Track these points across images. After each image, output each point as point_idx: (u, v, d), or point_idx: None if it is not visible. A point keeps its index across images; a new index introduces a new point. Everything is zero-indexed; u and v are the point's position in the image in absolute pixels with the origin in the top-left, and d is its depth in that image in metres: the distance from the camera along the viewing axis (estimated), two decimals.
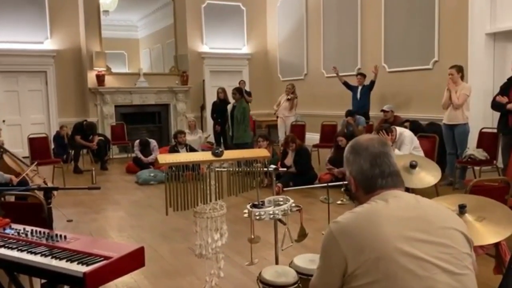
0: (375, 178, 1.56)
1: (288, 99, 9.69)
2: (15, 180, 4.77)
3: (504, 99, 5.56)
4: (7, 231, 2.32)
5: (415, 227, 1.43)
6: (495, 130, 6.12)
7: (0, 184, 4.47)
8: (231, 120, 8.34)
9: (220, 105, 9.46)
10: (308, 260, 2.69)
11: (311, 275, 2.56)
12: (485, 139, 6.34)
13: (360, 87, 8.74)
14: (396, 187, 1.56)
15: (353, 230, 1.43)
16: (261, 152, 2.96)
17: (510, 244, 2.81)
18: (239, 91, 8.47)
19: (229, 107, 8.55)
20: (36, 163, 5.88)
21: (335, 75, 9.20)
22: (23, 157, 6.16)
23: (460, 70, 6.27)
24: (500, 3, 7.01)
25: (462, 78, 6.31)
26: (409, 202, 1.51)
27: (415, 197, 1.56)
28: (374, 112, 8.61)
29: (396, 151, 5.36)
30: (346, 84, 8.98)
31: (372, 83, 8.52)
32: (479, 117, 7.04)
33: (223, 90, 9.61)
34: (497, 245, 2.78)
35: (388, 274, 1.36)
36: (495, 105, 5.75)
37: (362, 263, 1.39)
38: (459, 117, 6.23)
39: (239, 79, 11.60)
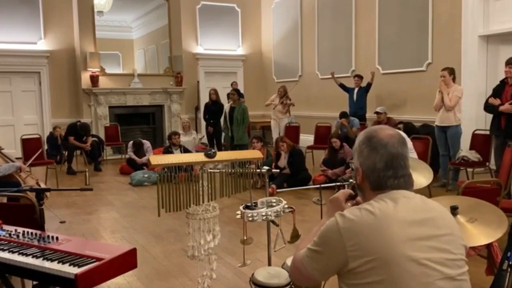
0: (386, 178, 1.49)
1: (282, 103, 9.66)
2: (24, 167, 4.98)
3: (496, 101, 5.59)
4: None
5: (422, 232, 1.41)
6: (487, 132, 6.16)
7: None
8: (229, 121, 8.33)
9: (212, 107, 9.45)
10: None
11: None
12: (478, 141, 6.38)
13: (356, 89, 8.77)
14: (406, 188, 1.51)
15: (360, 229, 1.39)
16: (254, 153, 2.96)
17: (502, 245, 2.82)
18: (238, 92, 8.48)
19: (226, 108, 8.55)
20: (28, 164, 5.85)
21: (330, 76, 9.23)
22: (16, 158, 6.12)
23: (452, 72, 6.30)
24: (493, 6, 7.06)
25: (454, 80, 6.34)
26: (417, 204, 1.47)
27: (421, 199, 1.52)
28: (368, 114, 8.64)
29: None
30: (342, 86, 8.99)
31: (369, 85, 8.54)
32: (472, 119, 7.08)
33: (215, 92, 9.59)
34: (488, 246, 2.80)
35: (392, 276, 1.35)
36: (488, 107, 5.79)
37: (365, 262, 1.37)
38: (451, 119, 6.26)
39: (234, 81, 11.60)
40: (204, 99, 11.11)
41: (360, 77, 8.79)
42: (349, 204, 1.66)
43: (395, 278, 1.35)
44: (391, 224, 1.39)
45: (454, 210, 2.32)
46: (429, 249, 1.39)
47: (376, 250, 1.36)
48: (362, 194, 1.58)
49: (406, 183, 1.51)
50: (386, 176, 1.49)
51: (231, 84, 10.76)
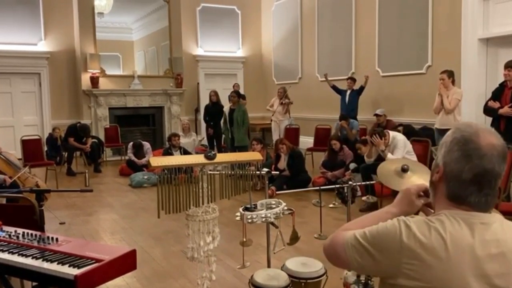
0: (469, 192, 1.27)
1: (281, 103, 9.69)
2: (9, 181, 4.80)
3: (496, 104, 5.60)
4: None
5: (493, 268, 1.22)
6: None
7: None
8: (230, 123, 8.34)
9: (212, 108, 9.46)
10: (300, 263, 2.71)
11: (303, 278, 2.59)
12: None
13: (349, 91, 8.78)
14: (486, 210, 1.30)
15: (425, 256, 1.22)
16: (254, 155, 2.97)
17: None
18: (238, 94, 8.49)
19: (226, 109, 8.55)
20: (28, 165, 5.86)
21: (329, 79, 9.23)
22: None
23: (451, 75, 6.31)
24: (493, 9, 7.07)
25: (453, 82, 6.35)
26: (494, 233, 1.26)
27: (501, 224, 1.29)
28: (368, 116, 8.65)
29: (389, 155, 5.39)
30: (334, 88, 9.01)
31: (362, 88, 8.56)
32: (472, 121, 7.08)
33: (215, 93, 9.61)
34: None
35: None
36: (487, 110, 5.80)
37: (419, 287, 1.23)
38: (451, 121, 6.26)
39: (234, 82, 11.61)
40: (204, 101, 11.12)
41: (353, 80, 8.80)
42: (421, 201, 1.47)
43: None
44: (462, 259, 1.21)
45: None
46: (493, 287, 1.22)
47: (436, 281, 1.21)
48: (434, 194, 1.38)
49: (488, 204, 1.29)
50: (469, 189, 1.27)
51: (233, 86, 10.76)
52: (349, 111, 8.60)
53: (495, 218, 1.29)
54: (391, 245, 1.26)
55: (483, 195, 1.27)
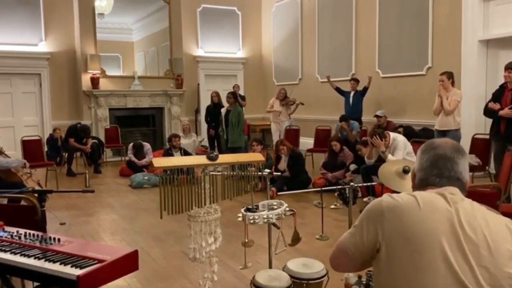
0: (431, 175, 1.52)
1: (282, 105, 9.65)
2: (28, 164, 5.30)
3: (496, 106, 5.60)
4: (0, 233, 2.31)
5: (466, 236, 1.36)
6: (487, 136, 6.17)
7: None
8: (225, 124, 8.35)
9: (214, 109, 9.48)
10: (301, 264, 2.71)
11: (304, 279, 2.59)
12: (477, 145, 6.39)
13: (352, 93, 8.77)
14: (452, 186, 1.50)
15: (404, 214, 1.41)
16: (255, 156, 2.97)
17: None
18: (234, 95, 8.49)
19: (223, 111, 8.56)
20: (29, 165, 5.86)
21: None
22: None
23: (450, 76, 6.31)
24: (493, 11, 7.08)
25: (453, 84, 6.35)
26: (467, 208, 1.43)
27: (471, 202, 1.47)
28: (368, 118, 8.65)
29: (390, 156, 5.39)
30: (338, 89, 9.00)
31: (365, 89, 8.56)
32: (472, 123, 7.09)
33: (217, 94, 9.62)
34: None
35: (421, 269, 1.34)
36: (488, 112, 5.80)
37: (398, 244, 1.38)
38: (450, 123, 6.27)
39: (234, 83, 11.61)
40: (204, 101, 11.14)
41: (357, 81, 8.79)
42: None
43: (424, 266, 1.34)
44: (436, 216, 1.39)
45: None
46: (466, 263, 1.34)
47: (413, 226, 1.37)
48: None
49: (452, 184, 1.50)
50: (432, 173, 1.52)
51: (233, 87, 10.77)
52: (353, 112, 8.58)
53: (464, 197, 1.48)
54: (375, 213, 1.47)
55: (445, 178, 1.50)
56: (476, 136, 6.52)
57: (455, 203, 1.42)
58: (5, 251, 2.08)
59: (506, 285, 1.34)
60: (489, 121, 6.00)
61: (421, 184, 1.55)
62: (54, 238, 2.20)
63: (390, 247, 1.40)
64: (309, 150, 8.96)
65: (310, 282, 2.60)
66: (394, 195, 1.48)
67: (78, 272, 1.84)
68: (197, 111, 11.94)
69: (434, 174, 1.52)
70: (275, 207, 2.82)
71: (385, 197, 1.48)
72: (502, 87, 5.72)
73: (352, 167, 6.65)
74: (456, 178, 1.51)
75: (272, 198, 5.71)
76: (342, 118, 8.26)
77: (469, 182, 1.57)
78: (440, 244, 1.35)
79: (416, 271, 1.35)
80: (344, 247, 1.54)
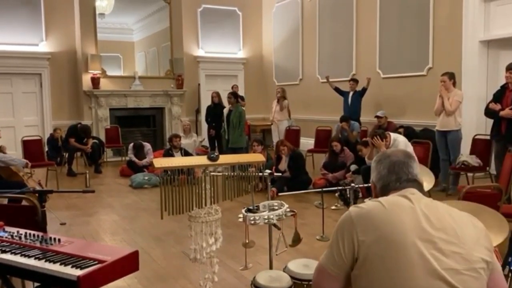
0: (390, 180, 1.63)
1: (277, 102, 9.66)
2: (29, 164, 5.38)
3: (497, 106, 5.60)
4: (1, 234, 2.31)
5: (433, 227, 1.43)
6: (488, 137, 6.17)
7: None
8: (226, 124, 8.35)
9: (214, 109, 9.48)
10: (302, 265, 2.70)
11: (305, 280, 2.58)
12: (478, 146, 6.38)
13: (351, 93, 8.77)
14: (413, 188, 1.60)
15: (373, 217, 1.46)
16: (256, 157, 2.97)
17: (502, 251, 2.83)
18: (234, 95, 8.48)
19: (225, 111, 8.56)
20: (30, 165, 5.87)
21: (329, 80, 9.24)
22: None
23: (452, 77, 6.31)
24: (494, 11, 7.08)
25: (454, 84, 6.35)
26: (427, 203, 1.52)
27: (431, 200, 1.56)
28: (369, 118, 8.65)
29: None
30: (337, 89, 9.01)
31: (364, 90, 8.56)
32: (473, 123, 7.09)
33: (217, 94, 9.62)
34: None
35: (397, 264, 1.38)
36: (488, 112, 5.80)
37: (375, 251, 1.41)
38: (451, 123, 6.27)
39: (234, 84, 11.61)
40: (205, 101, 11.13)
41: (356, 81, 8.79)
42: None
43: (401, 265, 1.38)
44: (401, 213, 1.46)
45: None
46: (437, 252, 1.40)
47: (384, 233, 1.41)
48: None
49: (411, 186, 1.61)
50: (390, 179, 1.64)
51: (232, 87, 10.77)
52: (352, 112, 8.58)
53: (423, 196, 1.57)
54: (345, 224, 1.50)
55: (404, 181, 1.61)
56: (477, 137, 6.52)
57: (417, 201, 1.50)
58: (6, 252, 2.08)
59: (478, 268, 1.42)
60: (490, 121, 6.00)
61: (382, 191, 1.65)
62: (55, 239, 2.20)
63: (366, 251, 1.43)
64: (309, 151, 8.96)
65: (310, 283, 2.59)
66: (359, 204, 1.55)
67: (78, 272, 1.84)
68: (197, 111, 11.94)
69: (393, 179, 1.63)
70: (276, 207, 2.82)
71: (352, 208, 1.55)
72: (503, 88, 5.73)
73: (353, 167, 6.65)
74: (413, 179, 1.63)
75: (272, 198, 5.70)
76: (343, 119, 8.25)
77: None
78: (413, 241, 1.39)
79: (396, 271, 1.38)
80: (326, 270, 1.54)
